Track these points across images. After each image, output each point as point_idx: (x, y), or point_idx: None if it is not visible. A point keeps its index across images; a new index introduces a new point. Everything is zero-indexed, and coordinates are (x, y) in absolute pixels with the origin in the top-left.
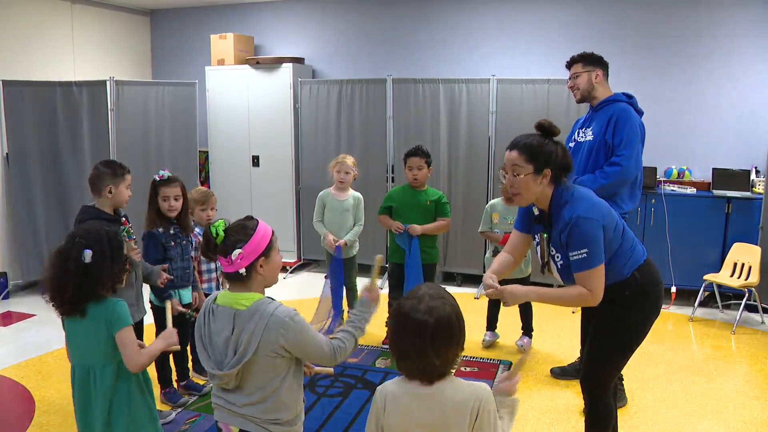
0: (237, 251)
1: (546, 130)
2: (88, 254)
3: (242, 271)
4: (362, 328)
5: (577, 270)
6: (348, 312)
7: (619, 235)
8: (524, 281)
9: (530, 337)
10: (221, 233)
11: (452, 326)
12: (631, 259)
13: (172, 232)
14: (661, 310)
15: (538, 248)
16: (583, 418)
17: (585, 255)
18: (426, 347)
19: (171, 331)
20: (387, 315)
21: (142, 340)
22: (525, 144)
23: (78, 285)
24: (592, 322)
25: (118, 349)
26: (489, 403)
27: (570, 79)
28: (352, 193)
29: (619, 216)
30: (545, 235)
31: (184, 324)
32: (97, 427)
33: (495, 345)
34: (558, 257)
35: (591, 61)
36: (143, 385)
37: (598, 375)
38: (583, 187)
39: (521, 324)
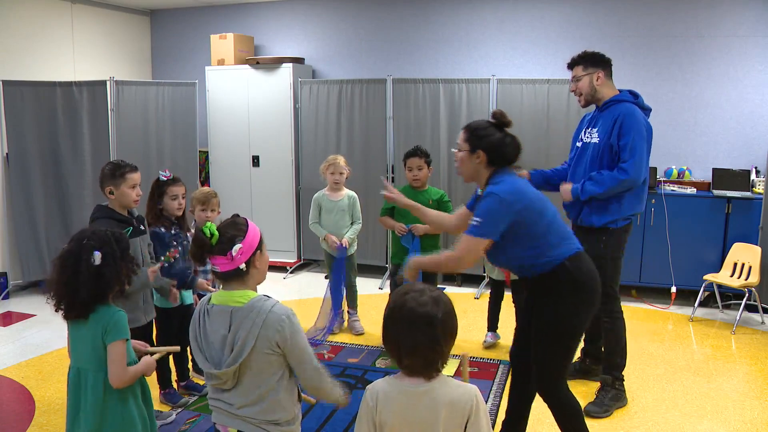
0: (237, 246)
1: (497, 120)
2: (97, 256)
3: (243, 266)
4: (337, 391)
5: (465, 232)
6: (348, 311)
7: (544, 224)
8: (498, 284)
9: (496, 332)
10: (215, 232)
11: (454, 316)
12: (557, 250)
13: (173, 232)
14: (661, 309)
15: None
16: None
17: (476, 223)
18: (437, 337)
19: (152, 365)
20: None
21: (152, 340)
22: (468, 126)
23: (91, 287)
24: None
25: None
26: (482, 403)
27: (572, 81)
28: (347, 193)
29: (556, 212)
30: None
31: (186, 323)
32: (83, 430)
33: (496, 345)
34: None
35: (592, 62)
36: (137, 391)
37: (544, 371)
38: (519, 178)
39: (487, 321)
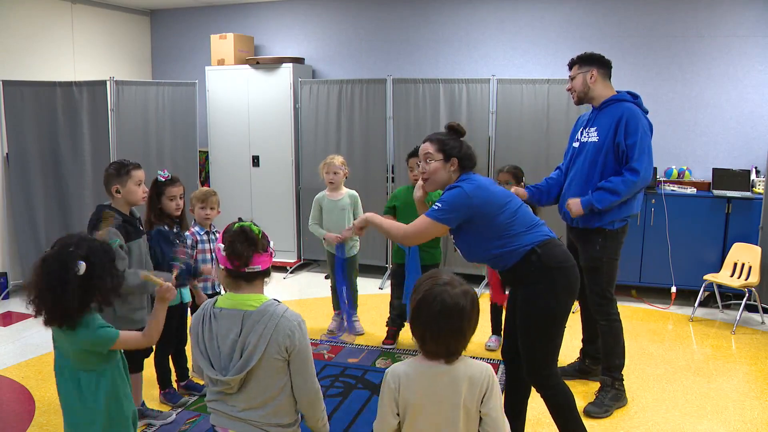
0: (272, 242)
1: (455, 130)
2: (82, 266)
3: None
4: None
5: (425, 214)
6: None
7: (507, 215)
8: None
9: (500, 335)
10: (258, 229)
11: (479, 308)
12: (524, 238)
13: (175, 230)
14: (661, 309)
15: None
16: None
17: (437, 207)
18: (465, 329)
19: (168, 286)
20: (388, 315)
21: None
22: (437, 138)
23: (78, 297)
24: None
25: (106, 357)
26: (495, 378)
27: (569, 80)
28: (347, 192)
29: (522, 205)
30: None
31: (185, 321)
32: (95, 427)
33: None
34: (451, 237)
35: (587, 61)
36: (127, 389)
37: (531, 361)
38: (484, 178)
39: (491, 324)
